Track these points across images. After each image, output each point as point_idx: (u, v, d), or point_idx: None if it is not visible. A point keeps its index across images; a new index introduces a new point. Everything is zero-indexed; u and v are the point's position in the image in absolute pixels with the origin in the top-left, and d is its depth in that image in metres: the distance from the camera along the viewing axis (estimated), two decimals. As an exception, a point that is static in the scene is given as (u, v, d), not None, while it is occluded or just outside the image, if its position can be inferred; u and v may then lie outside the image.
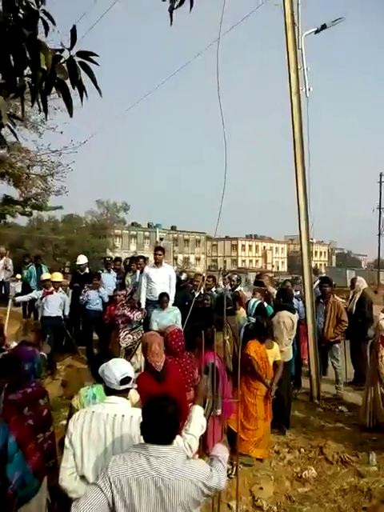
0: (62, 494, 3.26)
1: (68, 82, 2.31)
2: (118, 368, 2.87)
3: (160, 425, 2.33)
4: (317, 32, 7.87)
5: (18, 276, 13.03)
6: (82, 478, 2.81)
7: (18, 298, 10.31)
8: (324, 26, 7.82)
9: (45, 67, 2.15)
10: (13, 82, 2.23)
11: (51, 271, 10.82)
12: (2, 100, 2.04)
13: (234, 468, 4.70)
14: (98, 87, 2.36)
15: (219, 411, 4.65)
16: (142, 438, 2.45)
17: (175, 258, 65.17)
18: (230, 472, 4.58)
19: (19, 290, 12.54)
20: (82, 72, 2.30)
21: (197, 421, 3.03)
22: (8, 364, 3.74)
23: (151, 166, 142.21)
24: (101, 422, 2.78)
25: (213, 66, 5.90)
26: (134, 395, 3.39)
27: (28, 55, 2.19)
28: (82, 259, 10.41)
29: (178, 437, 2.58)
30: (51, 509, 3.68)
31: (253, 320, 6.08)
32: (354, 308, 8.47)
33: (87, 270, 10.36)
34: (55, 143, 14.39)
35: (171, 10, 2.51)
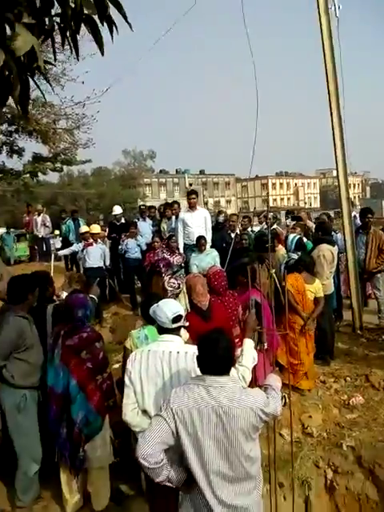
0: (124, 431, 3.49)
1: (96, 17, 2.19)
2: (169, 308, 2.96)
3: (216, 356, 2.41)
4: None
5: (57, 232, 13.31)
6: (144, 412, 2.99)
7: (60, 252, 10.62)
8: None
9: (72, 4, 2.05)
10: (42, 24, 2.15)
11: (88, 224, 10.99)
12: (36, 41, 1.95)
13: (284, 399, 4.86)
14: (127, 21, 2.23)
15: (265, 345, 4.75)
16: (198, 371, 2.56)
17: (205, 203, 64.70)
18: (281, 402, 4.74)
19: (59, 245, 12.86)
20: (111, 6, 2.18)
21: (248, 353, 3.12)
22: (62, 312, 3.93)
23: (175, 110, 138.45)
24: (157, 359, 2.90)
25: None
26: (184, 334, 3.51)
27: None
28: (118, 209, 10.48)
29: (232, 368, 2.67)
30: (113, 445, 3.95)
31: (293, 256, 6.06)
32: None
33: (123, 220, 10.46)
34: (77, 95, 14.15)
35: None
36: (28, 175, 16.50)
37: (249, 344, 3.18)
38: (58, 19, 2.17)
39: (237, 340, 4.42)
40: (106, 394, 3.76)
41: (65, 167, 19.28)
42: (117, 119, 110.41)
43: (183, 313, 3.03)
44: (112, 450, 3.90)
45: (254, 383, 4.04)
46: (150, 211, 10.73)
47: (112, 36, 2.25)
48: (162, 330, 3.00)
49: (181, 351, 2.92)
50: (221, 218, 9.00)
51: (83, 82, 12.92)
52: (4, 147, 15.72)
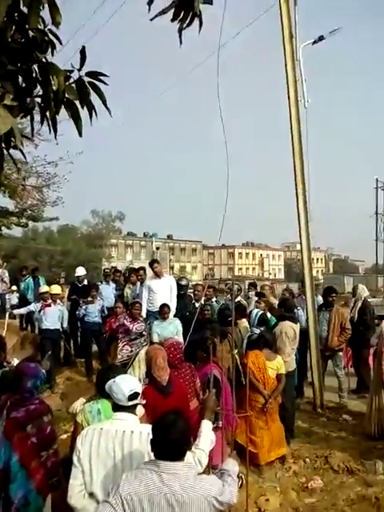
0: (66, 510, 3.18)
1: (77, 102, 2.28)
2: (126, 384, 2.82)
3: (171, 441, 2.29)
4: (314, 43, 7.95)
5: (14, 288, 12.90)
6: (91, 495, 2.76)
7: (16, 311, 10.22)
8: (322, 37, 7.90)
9: (54, 87, 2.14)
10: (23, 102, 2.22)
11: (48, 283, 10.73)
12: (15, 122, 2.00)
13: (240, 481, 4.63)
14: (107, 107, 2.34)
15: (220, 423, 4.58)
16: (152, 454, 2.41)
17: (171, 267, 64.94)
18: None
19: (15, 301, 12.42)
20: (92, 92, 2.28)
21: (206, 436, 2.98)
22: (10, 381, 3.69)
23: (146, 175, 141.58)
24: (109, 438, 2.73)
25: (211, 77, 5.80)
26: (140, 410, 3.34)
27: (38, 76, 2.18)
28: (81, 271, 10.32)
29: (188, 452, 2.53)
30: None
31: (256, 331, 6.04)
32: (356, 316, 8.43)
33: (85, 282, 10.27)
34: (51, 154, 14.42)
35: (180, 30, 2.45)
36: (-11, 228, 16.24)
37: (207, 426, 3.05)
38: (38, 99, 2.24)
39: (194, 413, 4.28)
40: (50, 471, 3.45)
41: (30, 223, 19.19)
42: (88, 180, 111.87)
43: (140, 390, 2.89)
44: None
45: (208, 462, 3.86)
46: (115, 275, 10.60)
47: (91, 120, 2.32)
48: (117, 407, 2.84)
49: (135, 431, 2.75)
50: (183, 282, 8.95)
51: (57, 144, 13.19)
52: (-34, 199, 15.57)
